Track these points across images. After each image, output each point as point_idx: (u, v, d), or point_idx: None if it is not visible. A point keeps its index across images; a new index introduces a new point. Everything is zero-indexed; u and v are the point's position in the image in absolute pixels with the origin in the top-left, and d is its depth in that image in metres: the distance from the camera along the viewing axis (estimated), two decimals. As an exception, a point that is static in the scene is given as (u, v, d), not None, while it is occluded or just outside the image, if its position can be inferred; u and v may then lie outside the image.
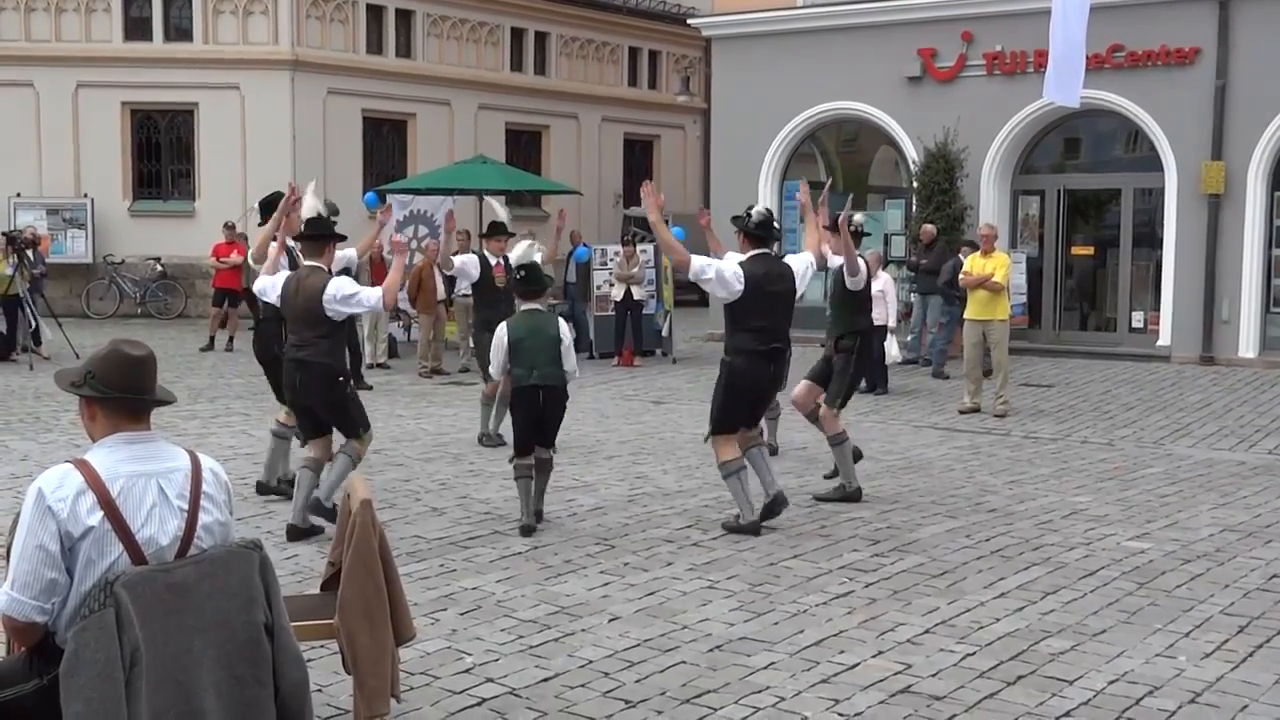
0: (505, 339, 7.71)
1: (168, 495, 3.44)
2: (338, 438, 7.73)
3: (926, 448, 10.81)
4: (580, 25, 28.24)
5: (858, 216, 9.20)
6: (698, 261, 7.68)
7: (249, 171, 22.62)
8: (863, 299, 8.99)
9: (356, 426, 7.63)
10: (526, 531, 7.58)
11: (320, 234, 7.64)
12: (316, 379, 7.46)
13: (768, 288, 7.63)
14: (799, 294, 7.90)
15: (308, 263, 7.64)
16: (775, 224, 7.99)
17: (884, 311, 13.79)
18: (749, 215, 7.87)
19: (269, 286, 7.87)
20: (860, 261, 8.75)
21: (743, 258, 7.77)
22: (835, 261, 8.84)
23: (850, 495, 8.58)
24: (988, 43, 18.48)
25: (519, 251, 8.17)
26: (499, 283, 10.78)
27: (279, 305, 7.79)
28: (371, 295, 7.45)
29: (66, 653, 3.24)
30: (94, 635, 3.22)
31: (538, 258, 8.21)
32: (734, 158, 20.50)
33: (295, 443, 8.66)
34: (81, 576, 3.34)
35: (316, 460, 7.60)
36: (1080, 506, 8.50)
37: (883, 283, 14.00)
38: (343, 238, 8.03)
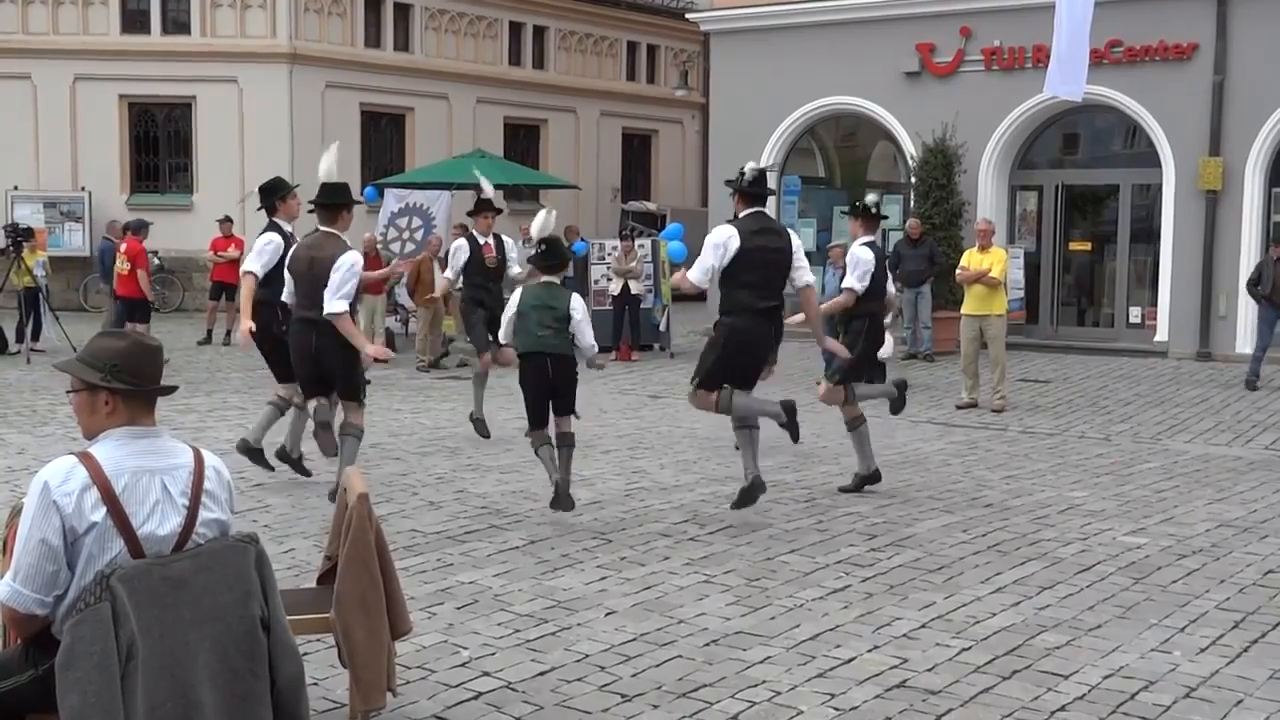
0: (514, 305, 7.71)
1: (171, 492, 3.43)
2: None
3: (923, 443, 10.82)
4: (578, 19, 28.23)
5: (870, 196, 9.22)
6: (696, 273, 7.67)
7: (247, 165, 22.59)
8: (871, 287, 8.97)
9: (359, 392, 7.73)
10: (560, 499, 7.61)
11: (336, 201, 7.65)
12: (331, 338, 7.53)
13: (761, 242, 7.64)
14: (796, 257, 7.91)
15: (323, 228, 7.66)
16: (768, 183, 8.04)
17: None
18: (742, 174, 7.90)
19: (261, 258, 8.15)
20: (858, 251, 8.86)
21: (739, 215, 7.85)
22: (853, 247, 8.90)
23: (869, 477, 8.68)
24: (986, 38, 18.47)
25: (539, 223, 8.14)
26: (489, 262, 10.79)
27: (287, 268, 7.84)
28: (336, 305, 7.45)
29: (62, 646, 3.24)
30: (90, 628, 3.22)
31: (552, 221, 8.16)
32: (732, 152, 20.40)
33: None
34: (83, 571, 3.34)
35: (357, 426, 7.72)
36: (1077, 501, 8.51)
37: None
38: (359, 201, 8.14)
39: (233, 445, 10.14)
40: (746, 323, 7.69)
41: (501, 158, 22.93)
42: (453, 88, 25.69)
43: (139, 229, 15.64)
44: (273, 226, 8.69)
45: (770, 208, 8.42)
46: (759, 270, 7.64)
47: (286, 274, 7.88)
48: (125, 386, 3.44)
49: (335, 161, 7.96)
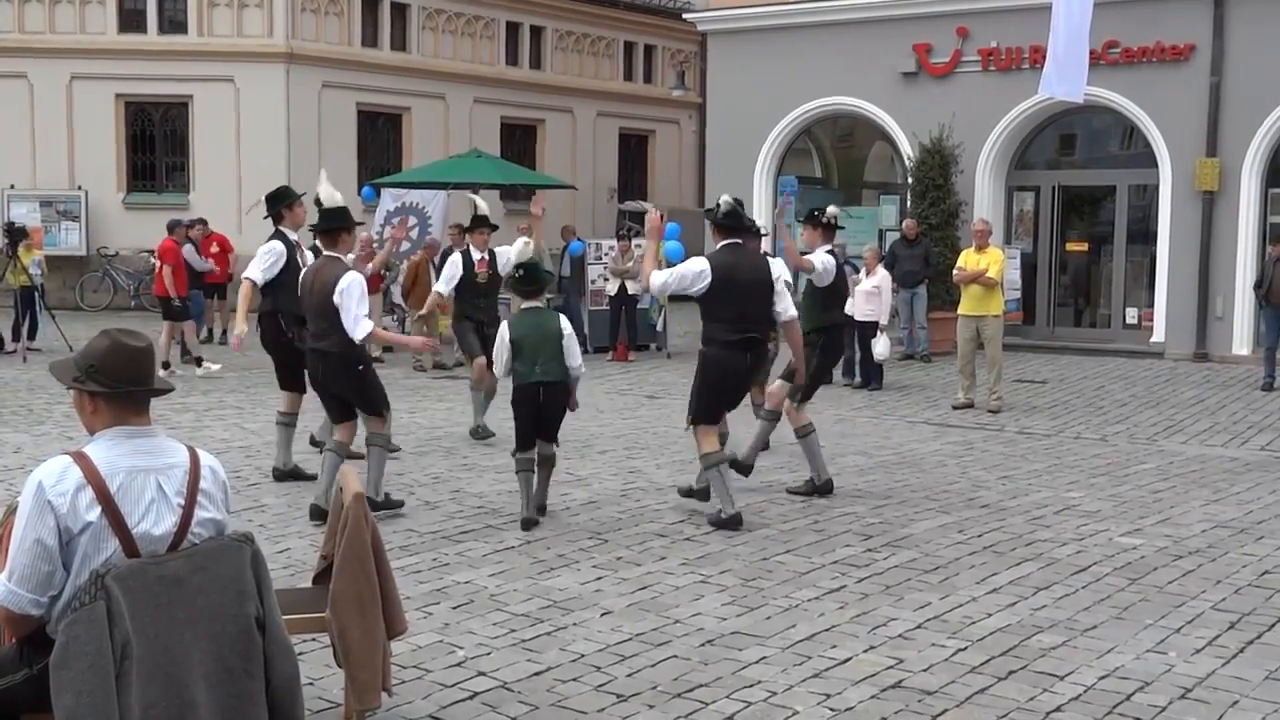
0: (507, 337, 7.72)
1: (166, 492, 3.42)
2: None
3: (920, 443, 10.82)
4: (576, 19, 28.22)
5: (831, 209, 9.22)
6: (656, 279, 7.75)
7: (243, 164, 22.60)
8: (830, 294, 8.90)
9: (379, 406, 7.81)
10: (527, 525, 7.59)
11: (335, 225, 7.72)
12: (337, 368, 7.66)
13: (737, 276, 7.63)
14: (776, 290, 7.83)
15: (326, 253, 7.79)
16: (744, 215, 8.00)
17: (877, 308, 13.83)
18: (718, 207, 7.90)
19: (262, 264, 8.46)
20: (820, 258, 8.82)
21: (715, 248, 7.86)
22: (816, 261, 8.83)
23: (821, 488, 8.57)
24: (983, 39, 18.48)
25: (516, 250, 8.20)
26: (480, 279, 10.79)
27: (299, 297, 7.99)
28: (363, 326, 7.46)
29: (57, 645, 3.24)
30: (84, 628, 3.21)
31: (529, 250, 8.22)
32: (729, 153, 20.49)
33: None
34: (78, 570, 3.33)
35: (343, 444, 7.79)
36: (1073, 502, 8.52)
37: (879, 279, 14.03)
38: (360, 223, 8.26)
39: (229, 444, 10.16)
40: (720, 353, 7.70)
41: (498, 157, 22.91)
42: (450, 87, 25.68)
43: (173, 228, 15.75)
44: (278, 235, 8.86)
45: (763, 210, 8.38)
46: (733, 304, 7.63)
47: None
48: (98, 388, 3.43)
49: (331, 185, 8.05)
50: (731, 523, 7.58)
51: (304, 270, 8.09)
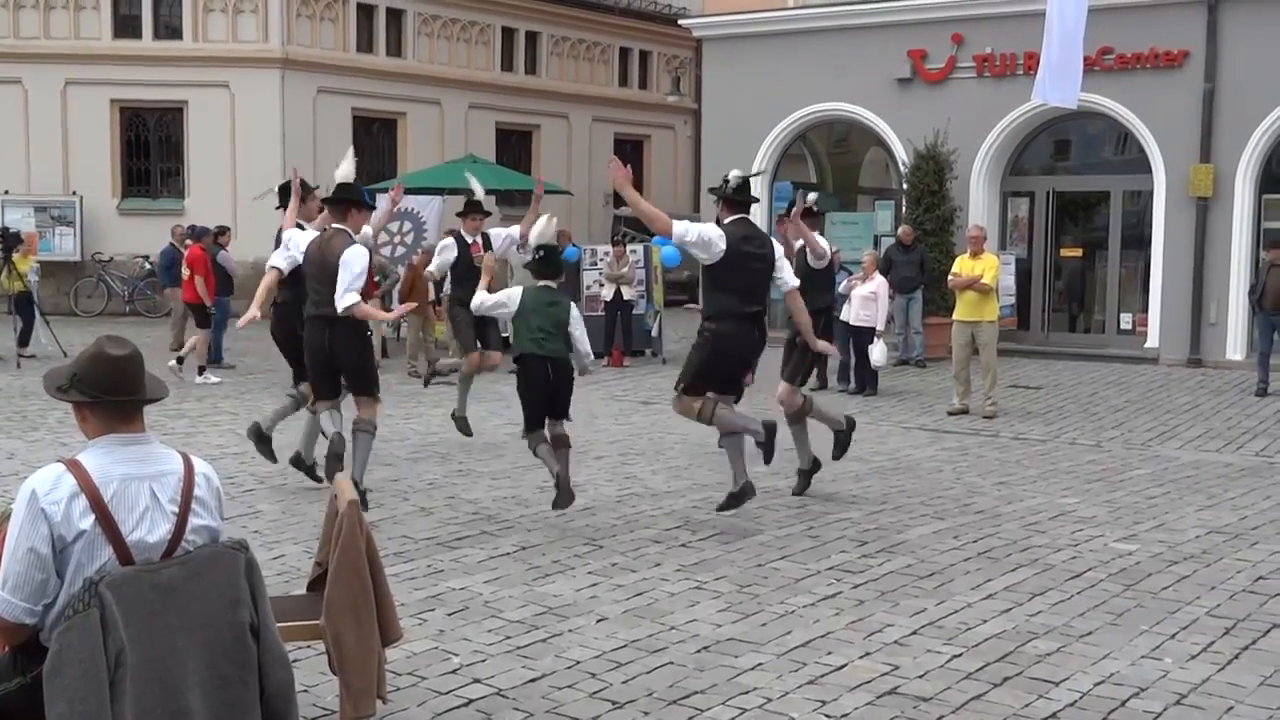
0: (516, 297, 7.77)
1: (160, 499, 3.41)
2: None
3: (915, 449, 10.83)
4: (571, 25, 28.26)
5: (811, 196, 9.38)
6: (679, 226, 7.74)
7: (238, 170, 22.60)
8: (821, 276, 9.15)
9: (372, 388, 7.91)
10: (562, 481, 7.67)
11: (344, 198, 7.82)
12: (344, 335, 7.71)
13: (746, 249, 7.70)
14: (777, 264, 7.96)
15: (334, 225, 7.83)
16: (751, 190, 8.09)
17: (874, 313, 13.84)
18: (726, 181, 7.96)
19: (290, 251, 8.38)
20: (822, 241, 9.11)
21: (725, 222, 7.89)
22: (796, 246, 9.11)
23: (810, 470, 8.76)
24: (977, 45, 18.51)
25: (539, 229, 8.27)
26: (476, 262, 10.79)
27: (302, 265, 8.06)
28: (348, 298, 7.52)
29: (50, 653, 3.23)
30: (78, 635, 3.20)
31: (551, 228, 8.29)
32: (724, 158, 20.40)
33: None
34: (72, 579, 3.32)
35: (370, 421, 7.87)
36: (1068, 508, 8.52)
37: (876, 284, 14.04)
38: (371, 206, 8.32)
39: (224, 451, 10.14)
40: (731, 328, 7.73)
41: (493, 163, 22.92)
42: (445, 93, 25.69)
43: (200, 235, 15.75)
44: (295, 225, 8.86)
45: (760, 212, 8.48)
46: (744, 276, 7.70)
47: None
48: (81, 397, 3.42)
49: (352, 165, 8.14)
50: (742, 494, 7.65)
51: (310, 240, 8.14)
